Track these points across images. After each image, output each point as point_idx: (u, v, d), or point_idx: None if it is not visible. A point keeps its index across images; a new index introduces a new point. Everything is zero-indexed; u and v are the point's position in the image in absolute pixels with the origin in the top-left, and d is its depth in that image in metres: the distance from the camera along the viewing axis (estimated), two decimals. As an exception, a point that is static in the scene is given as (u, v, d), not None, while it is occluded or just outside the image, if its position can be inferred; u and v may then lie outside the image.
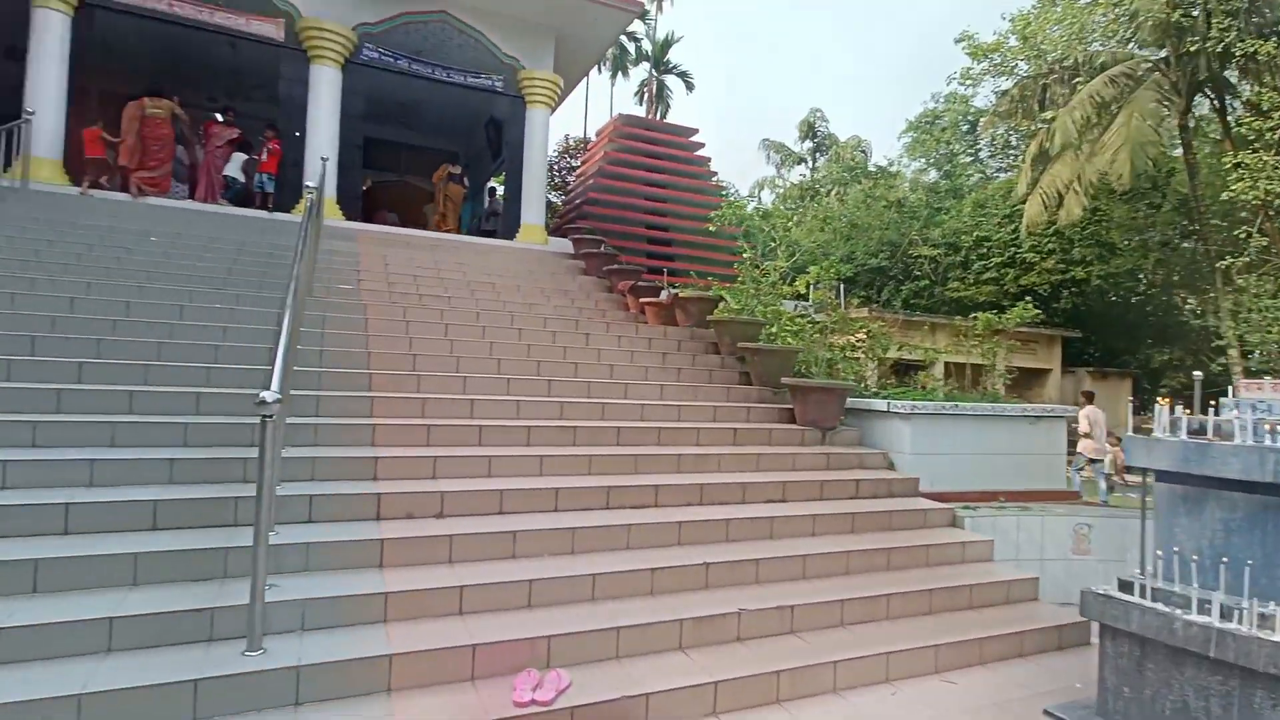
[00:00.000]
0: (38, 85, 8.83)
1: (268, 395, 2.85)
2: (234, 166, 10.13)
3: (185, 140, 10.21)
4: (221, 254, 7.44)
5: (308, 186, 6.35)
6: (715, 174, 16.76)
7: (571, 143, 23.78)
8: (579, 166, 18.41)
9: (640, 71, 31.60)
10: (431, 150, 15.71)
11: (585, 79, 14.00)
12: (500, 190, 17.43)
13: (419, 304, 7.18)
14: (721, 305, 8.35)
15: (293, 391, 4.08)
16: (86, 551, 3.06)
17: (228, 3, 9.87)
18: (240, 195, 10.08)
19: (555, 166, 21.97)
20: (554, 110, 12.24)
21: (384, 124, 13.57)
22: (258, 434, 2.85)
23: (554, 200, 19.41)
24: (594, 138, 18.48)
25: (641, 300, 8.47)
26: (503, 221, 13.08)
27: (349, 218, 10.39)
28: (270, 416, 2.84)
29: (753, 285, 8.69)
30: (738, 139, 61.09)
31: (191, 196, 9.95)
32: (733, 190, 27.18)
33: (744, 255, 9.35)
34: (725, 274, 11.36)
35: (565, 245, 11.51)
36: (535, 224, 11.73)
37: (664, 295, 8.48)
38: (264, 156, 10.14)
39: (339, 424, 4.52)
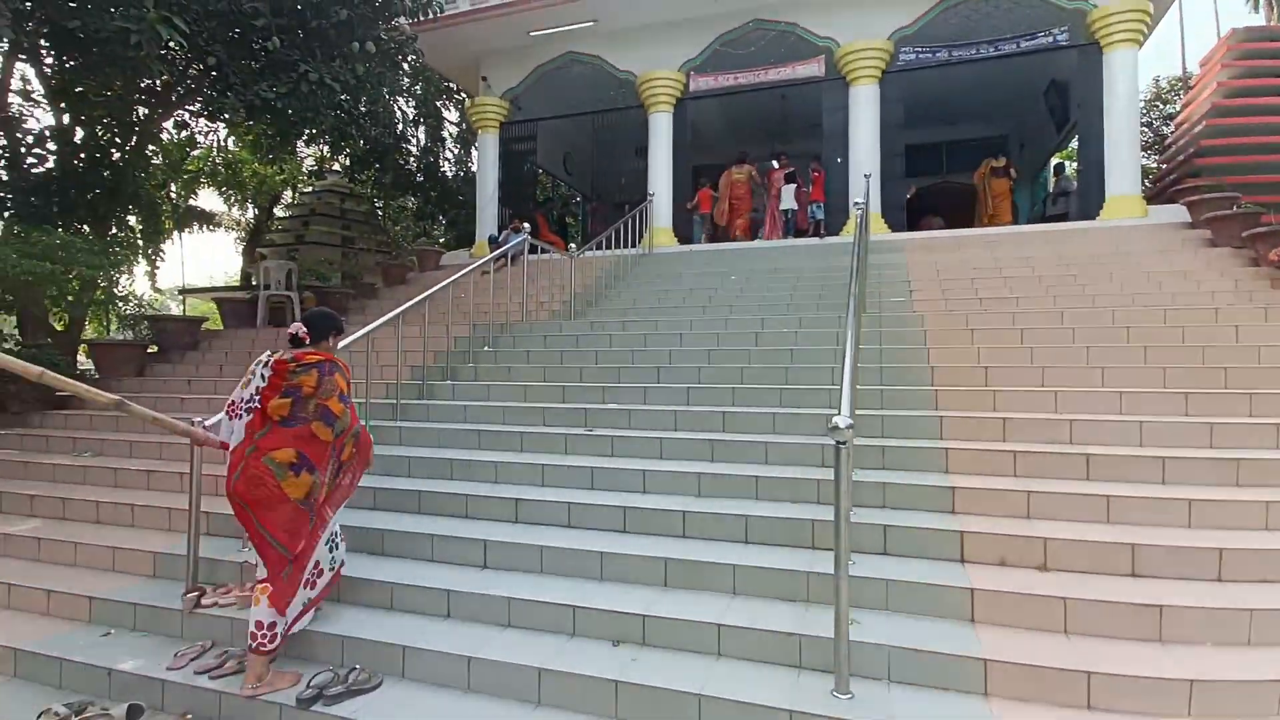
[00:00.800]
0: (654, 172, 11.47)
1: (840, 421, 2.66)
2: (788, 199, 11.21)
3: (755, 192, 11.83)
4: (784, 282, 8.12)
5: (856, 203, 6.34)
6: None
7: (1163, 86, 18.57)
8: (1178, 114, 14.13)
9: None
10: (972, 142, 14.40)
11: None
12: (1070, 166, 14.76)
13: (981, 309, 6.36)
14: None
15: (857, 412, 3.93)
16: (699, 557, 3.44)
17: (777, 59, 11.00)
18: (795, 225, 11.10)
19: (1144, 121, 17.44)
20: (1141, 47, 9.57)
21: (921, 127, 13.01)
22: (829, 455, 2.69)
23: (1148, 166, 15.37)
24: (1196, 71, 13.90)
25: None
26: (1077, 200, 10.91)
27: (893, 229, 10.21)
28: (844, 443, 2.65)
29: None
30: None
31: (759, 236, 11.38)
32: None
33: None
34: None
35: (1174, 214, 8.80)
36: (1127, 194, 9.30)
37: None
38: (809, 187, 10.91)
39: (906, 447, 4.15)
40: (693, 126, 12.10)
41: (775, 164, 11.66)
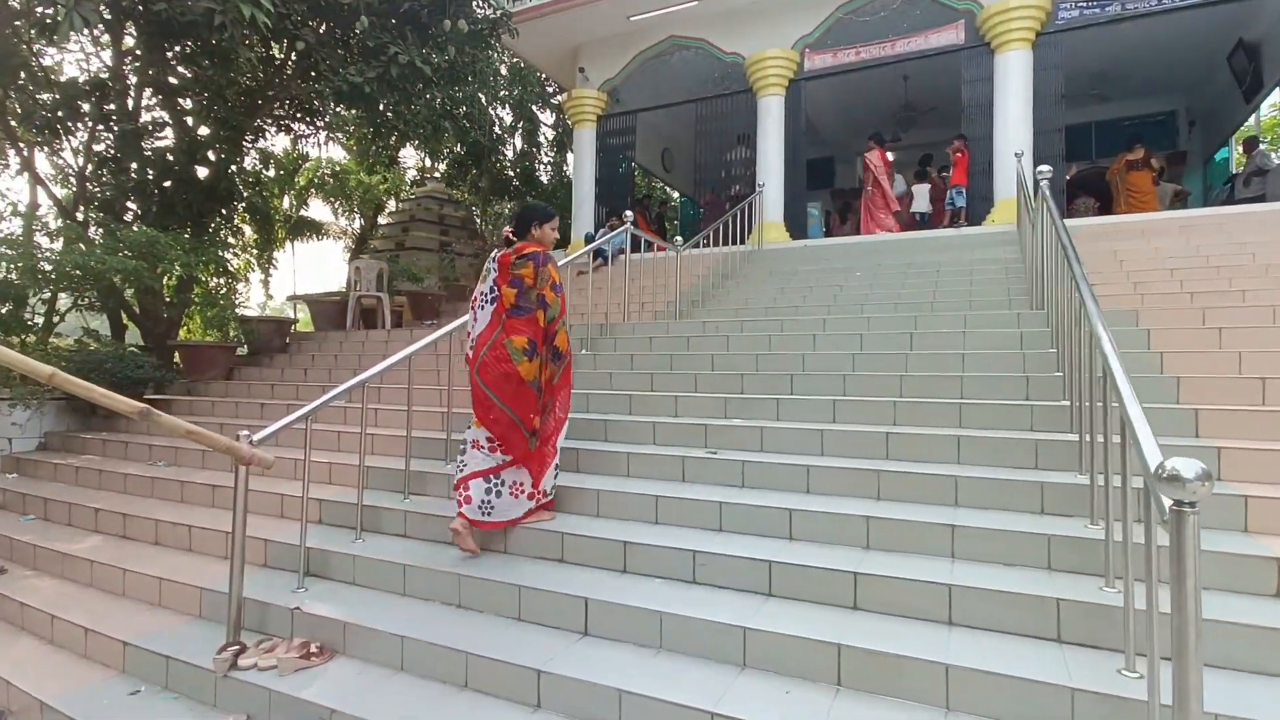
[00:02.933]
0: (764, 161, 10.41)
1: (1184, 468, 1.58)
2: (921, 201, 9.98)
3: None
4: (924, 279, 6.92)
5: (1017, 154, 5.05)
6: None
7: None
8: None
9: None
10: (1127, 122, 12.48)
11: None
12: (1264, 144, 12.53)
13: (1191, 305, 4.91)
14: None
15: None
16: (879, 646, 2.40)
17: (907, 29, 9.71)
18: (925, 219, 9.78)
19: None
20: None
21: (1069, 105, 11.29)
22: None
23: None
24: None
25: None
26: (1276, 178, 9.01)
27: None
28: (1192, 506, 1.57)
29: None
30: None
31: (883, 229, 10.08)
32: None
33: None
34: None
35: None
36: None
37: None
38: (948, 171, 9.56)
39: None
40: (805, 115, 10.97)
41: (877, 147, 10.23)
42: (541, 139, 20.44)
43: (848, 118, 13.17)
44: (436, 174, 17.67)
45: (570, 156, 14.11)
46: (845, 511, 3.08)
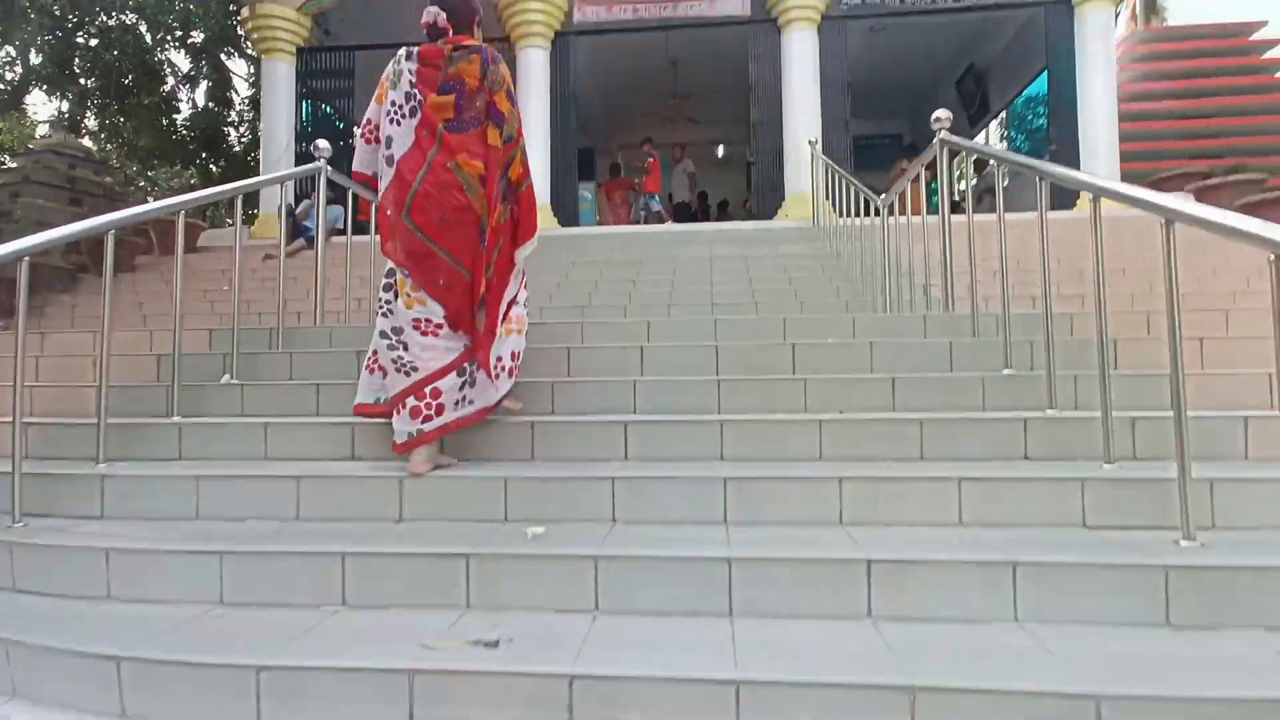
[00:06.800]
0: (525, 130, 8.37)
1: None
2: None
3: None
4: (733, 275, 5.49)
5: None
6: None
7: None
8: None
9: None
10: (863, 140, 12.98)
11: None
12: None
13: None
14: None
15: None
16: None
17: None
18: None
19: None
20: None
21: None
22: None
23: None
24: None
25: None
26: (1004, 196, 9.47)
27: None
28: None
29: None
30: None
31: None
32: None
33: None
34: None
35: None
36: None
37: None
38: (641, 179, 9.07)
39: None
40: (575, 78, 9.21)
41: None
42: (234, 95, 16.11)
43: (610, 104, 11.78)
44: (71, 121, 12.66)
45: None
46: None
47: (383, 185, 2.35)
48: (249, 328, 3.57)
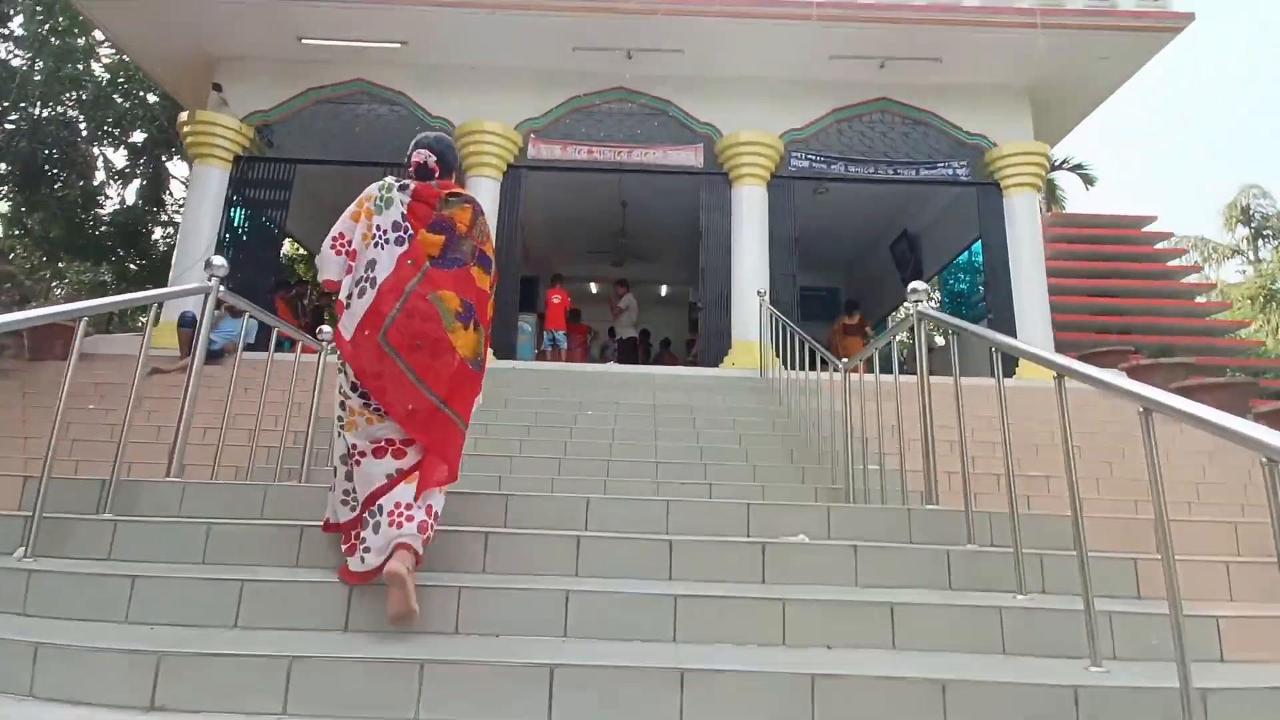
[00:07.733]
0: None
1: None
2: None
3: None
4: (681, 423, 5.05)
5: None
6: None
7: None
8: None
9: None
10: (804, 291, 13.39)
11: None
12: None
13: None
14: None
15: None
16: None
17: (644, 139, 8.60)
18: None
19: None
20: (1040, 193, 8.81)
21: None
22: None
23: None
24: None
25: None
26: (942, 355, 9.65)
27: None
28: None
29: None
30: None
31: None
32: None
33: None
34: None
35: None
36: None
37: None
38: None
39: None
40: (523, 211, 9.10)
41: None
42: (168, 195, 15.55)
43: (558, 235, 11.80)
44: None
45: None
46: None
47: (357, 304, 2.30)
48: (67, 477, 2.79)
